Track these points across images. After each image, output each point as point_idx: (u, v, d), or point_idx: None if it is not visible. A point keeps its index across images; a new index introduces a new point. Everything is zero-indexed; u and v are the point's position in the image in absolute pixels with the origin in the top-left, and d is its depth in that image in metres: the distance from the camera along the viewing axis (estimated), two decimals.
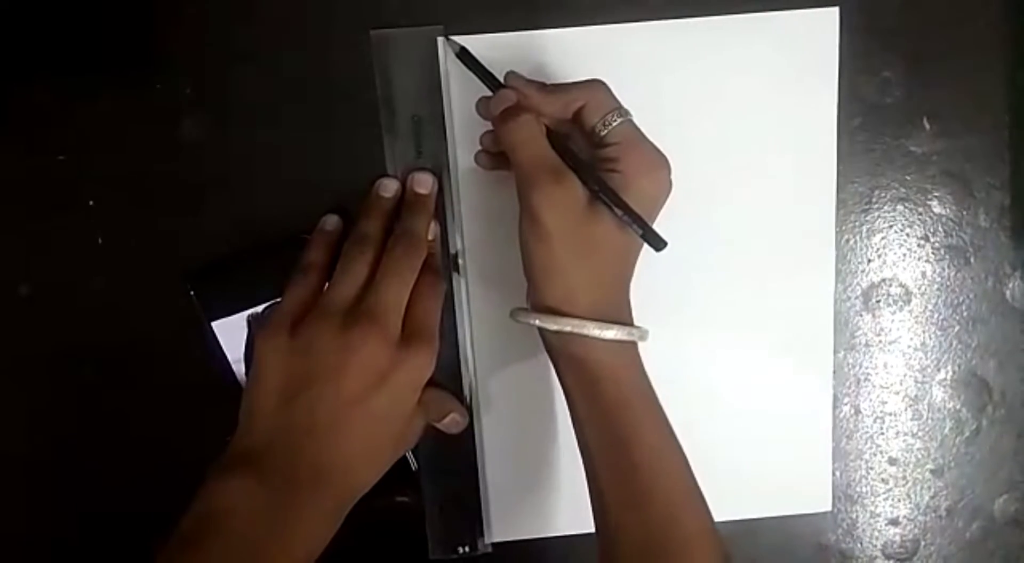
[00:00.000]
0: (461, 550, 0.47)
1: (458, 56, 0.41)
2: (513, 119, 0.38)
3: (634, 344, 0.39)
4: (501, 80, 0.40)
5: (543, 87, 0.39)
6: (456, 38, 0.41)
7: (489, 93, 0.40)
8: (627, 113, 0.38)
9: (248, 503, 0.35)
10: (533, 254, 0.37)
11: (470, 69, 0.41)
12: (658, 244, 0.37)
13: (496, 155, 0.42)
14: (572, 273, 0.37)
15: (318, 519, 0.36)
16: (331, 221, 0.43)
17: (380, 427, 0.38)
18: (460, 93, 0.43)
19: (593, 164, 0.38)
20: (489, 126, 0.42)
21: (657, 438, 0.38)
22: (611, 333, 0.37)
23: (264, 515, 0.35)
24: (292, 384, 0.37)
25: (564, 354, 0.38)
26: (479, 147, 0.43)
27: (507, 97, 0.39)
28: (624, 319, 0.39)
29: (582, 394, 0.38)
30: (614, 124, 0.37)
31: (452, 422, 0.43)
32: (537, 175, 0.37)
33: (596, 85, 0.38)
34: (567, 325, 0.37)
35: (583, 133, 0.39)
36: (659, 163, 0.38)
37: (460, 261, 0.45)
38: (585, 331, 0.37)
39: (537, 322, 0.38)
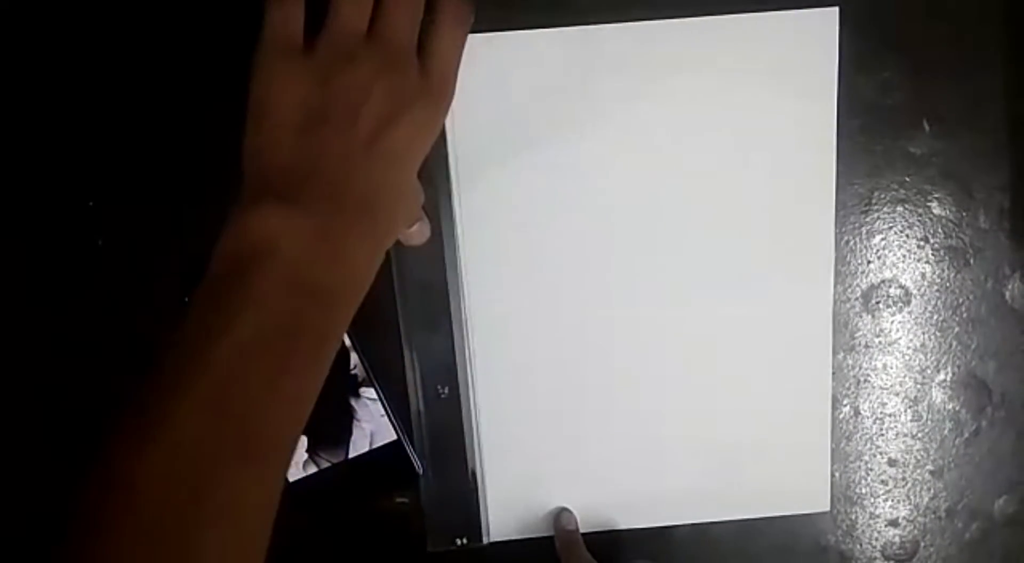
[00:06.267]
0: (459, 542, 0.47)
1: None
2: None
3: None
4: None
5: None
6: None
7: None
8: None
9: (294, 232, 0.31)
10: None
11: None
12: None
13: None
14: None
15: (365, 252, 0.33)
16: None
17: (403, 164, 0.35)
18: (460, 93, 0.43)
19: None
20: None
21: None
22: None
23: (313, 244, 0.31)
24: (312, 115, 0.33)
25: None
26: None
27: None
28: None
29: None
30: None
31: (419, 231, 0.40)
32: None
33: None
34: None
35: None
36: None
37: (459, 258, 0.45)
38: None
39: None
